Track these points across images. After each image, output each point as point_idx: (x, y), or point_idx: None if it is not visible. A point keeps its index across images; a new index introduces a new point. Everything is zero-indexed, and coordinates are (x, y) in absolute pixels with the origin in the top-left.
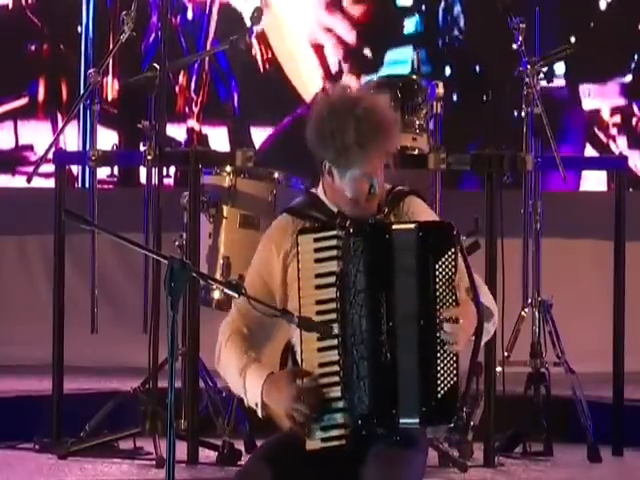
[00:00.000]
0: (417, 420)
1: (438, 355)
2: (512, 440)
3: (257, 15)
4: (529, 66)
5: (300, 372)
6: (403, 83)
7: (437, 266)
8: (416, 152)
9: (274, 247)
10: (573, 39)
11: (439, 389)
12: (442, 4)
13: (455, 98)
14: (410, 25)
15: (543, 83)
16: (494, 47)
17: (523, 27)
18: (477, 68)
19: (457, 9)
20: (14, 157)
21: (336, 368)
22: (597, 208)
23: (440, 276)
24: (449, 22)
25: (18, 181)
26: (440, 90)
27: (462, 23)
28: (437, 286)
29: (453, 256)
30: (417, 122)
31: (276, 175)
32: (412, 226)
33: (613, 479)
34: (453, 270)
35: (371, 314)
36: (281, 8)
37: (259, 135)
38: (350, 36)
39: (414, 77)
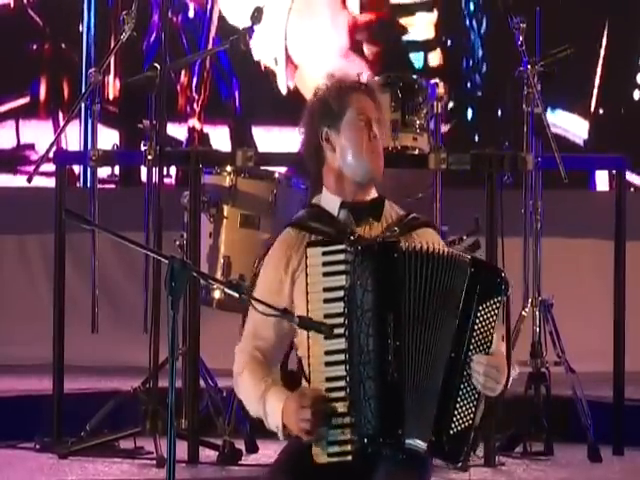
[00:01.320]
0: (424, 446)
1: (461, 392)
2: (512, 440)
3: (257, 15)
4: (529, 66)
5: (311, 391)
6: (403, 83)
7: (481, 307)
8: (416, 152)
9: (281, 265)
10: None
11: (453, 425)
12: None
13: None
14: (417, 60)
15: None
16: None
17: (523, 27)
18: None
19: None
20: (15, 156)
21: (343, 383)
22: (598, 208)
23: (481, 318)
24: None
25: (19, 180)
26: (440, 90)
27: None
28: (476, 327)
29: (498, 304)
30: (417, 122)
31: (277, 175)
32: (467, 258)
33: (613, 479)
34: (494, 318)
35: (378, 333)
36: (300, 56)
37: (260, 134)
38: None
39: (414, 77)
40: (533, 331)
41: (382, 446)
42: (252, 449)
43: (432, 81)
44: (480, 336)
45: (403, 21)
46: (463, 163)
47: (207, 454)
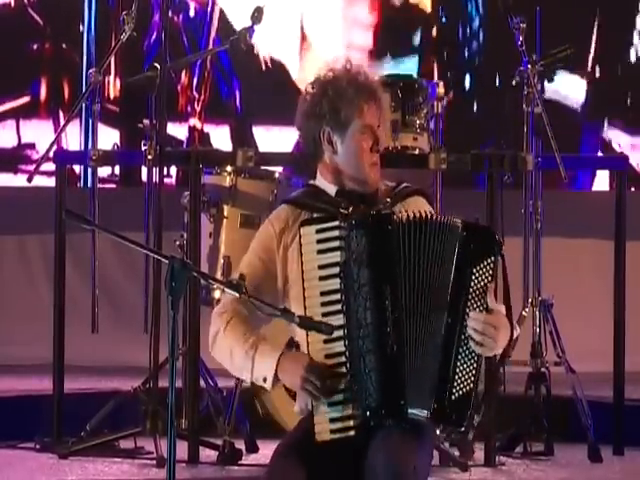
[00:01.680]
0: (426, 413)
1: (460, 355)
2: (513, 440)
3: (258, 15)
4: (529, 66)
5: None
6: (403, 83)
7: (474, 269)
8: (417, 152)
9: (274, 234)
10: None
11: (454, 390)
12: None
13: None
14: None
15: None
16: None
17: (524, 27)
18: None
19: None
20: (16, 156)
21: (343, 359)
22: (598, 208)
23: (475, 280)
24: (469, 34)
25: (20, 180)
26: (441, 90)
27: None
28: (470, 289)
29: (492, 265)
30: (418, 122)
31: (277, 175)
32: (458, 223)
33: (614, 479)
34: (489, 279)
35: (376, 307)
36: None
37: (261, 134)
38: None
39: (415, 77)
40: (533, 331)
41: (385, 418)
42: (252, 449)
43: (432, 81)
44: (475, 298)
45: None
46: (463, 163)
47: (207, 454)
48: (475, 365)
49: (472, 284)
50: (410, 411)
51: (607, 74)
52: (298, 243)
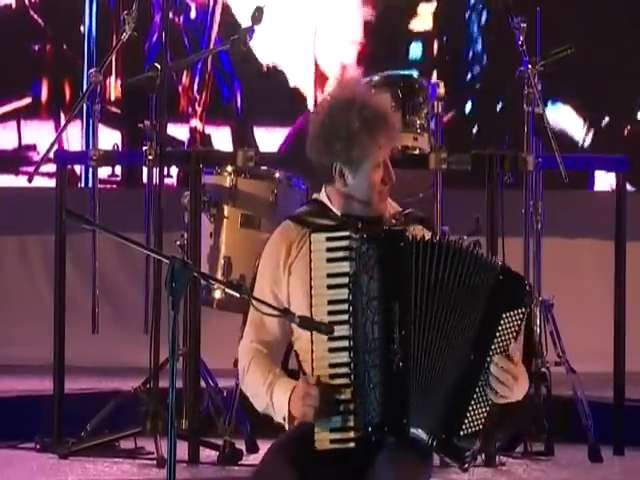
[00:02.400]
0: (429, 439)
1: (476, 394)
2: (513, 440)
3: (258, 15)
4: (530, 66)
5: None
6: (404, 83)
7: (505, 315)
8: (417, 152)
9: (280, 256)
10: None
11: (464, 427)
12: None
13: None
14: (415, 51)
15: None
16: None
17: (524, 27)
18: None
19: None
20: (17, 157)
21: (347, 370)
22: (598, 208)
23: (505, 326)
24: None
25: (21, 181)
26: (441, 90)
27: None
28: (498, 333)
29: (522, 315)
30: (418, 122)
31: (277, 175)
32: (498, 264)
33: (614, 479)
34: (517, 328)
35: (384, 322)
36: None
37: (262, 135)
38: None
39: (415, 76)
40: (534, 331)
41: (386, 435)
42: (252, 449)
43: (433, 81)
44: (501, 344)
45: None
46: (464, 163)
47: (207, 454)
48: (488, 408)
49: (501, 329)
50: (412, 431)
51: None
52: (303, 254)
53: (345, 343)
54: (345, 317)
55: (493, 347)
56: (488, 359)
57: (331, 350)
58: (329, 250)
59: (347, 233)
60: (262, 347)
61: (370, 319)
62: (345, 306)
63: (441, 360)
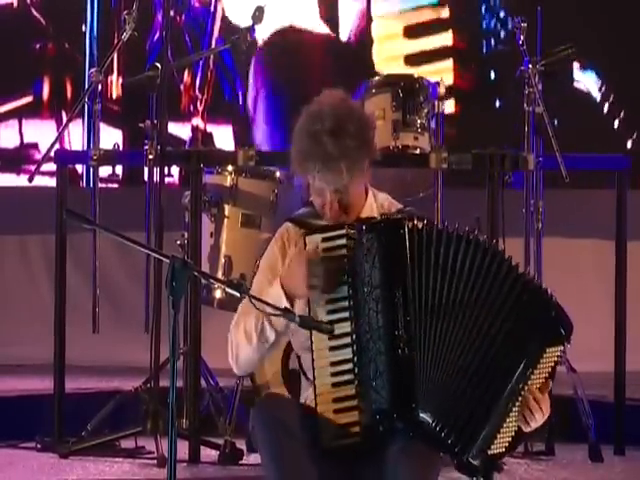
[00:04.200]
0: (432, 421)
1: (509, 418)
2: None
3: (258, 14)
4: (530, 65)
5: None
6: (404, 82)
7: (547, 349)
8: (417, 151)
9: (278, 254)
10: None
11: (494, 447)
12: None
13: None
14: None
15: None
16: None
17: (524, 26)
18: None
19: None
20: (19, 156)
21: (349, 366)
22: (599, 207)
23: (545, 359)
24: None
25: (23, 180)
26: (442, 89)
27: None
28: (539, 365)
29: (560, 353)
30: (418, 121)
31: (278, 174)
32: (549, 300)
33: (615, 479)
34: (553, 364)
35: (387, 309)
36: None
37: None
38: None
39: (415, 76)
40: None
41: (395, 420)
42: (253, 449)
43: (433, 80)
44: (539, 376)
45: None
46: (465, 163)
47: (208, 454)
48: (516, 430)
49: (542, 361)
50: (421, 415)
51: None
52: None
53: (347, 340)
54: (346, 314)
55: (533, 377)
56: (525, 387)
57: (332, 348)
58: (325, 250)
59: (343, 231)
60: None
61: (373, 308)
62: (345, 303)
63: (446, 345)
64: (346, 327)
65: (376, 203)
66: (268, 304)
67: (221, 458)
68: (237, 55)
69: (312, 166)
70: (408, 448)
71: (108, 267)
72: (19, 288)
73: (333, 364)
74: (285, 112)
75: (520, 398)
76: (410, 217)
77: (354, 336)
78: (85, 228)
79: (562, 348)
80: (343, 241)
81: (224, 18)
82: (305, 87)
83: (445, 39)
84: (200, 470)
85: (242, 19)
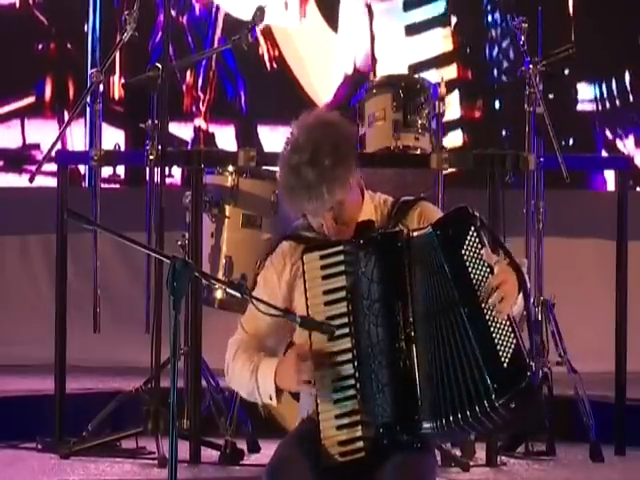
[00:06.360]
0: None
1: (495, 331)
2: (514, 439)
3: (259, 14)
4: (531, 66)
5: (308, 348)
6: (405, 82)
7: (463, 252)
8: (418, 152)
9: (276, 277)
10: None
11: (502, 354)
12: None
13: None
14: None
15: None
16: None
17: (525, 27)
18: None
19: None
20: (21, 156)
21: (351, 382)
22: (600, 207)
23: (470, 259)
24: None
25: (25, 180)
26: (442, 90)
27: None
28: (470, 269)
29: (475, 234)
30: (419, 122)
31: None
32: (428, 230)
33: (615, 478)
34: (479, 246)
35: (388, 322)
36: None
37: (266, 134)
38: None
39: (416, 76)
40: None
41: (399, 434)
42: (254, 449)
43: (434, 81)
44: (477, 271)
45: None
46: (465, 163)
47: (209, 454)
48: (512, 330)
49: (469, 265)
50: (425, 426)
51: None
52: (301, 272)
53: (347, 356)
54: (345, 330)
55: (475, 285)
56: (480, 299)
57: (334, 365)
58: (324, 267)
59: (341, 248)
60: (252, 339)
61: (374, 322)
62: (345, 319)
63: (448, 348)
64: (347, 343)
65: (373, 203)
66: (268, 304)
67: (222, 458)
68: (240, 55)
69: (299, 198)
70: (403, 465)
71: (109, 267)
72: (20, 288)
73: (335, 380)
74: None
75: (488, 313)
76: (409, 203)
77: (355, 351)
78: (86, 228)
79: (471, 234)
80: (341, 257)
81: (226, 18)
82: None
83: (450, 72)
84: (201, 470)
85: (245, 16)
